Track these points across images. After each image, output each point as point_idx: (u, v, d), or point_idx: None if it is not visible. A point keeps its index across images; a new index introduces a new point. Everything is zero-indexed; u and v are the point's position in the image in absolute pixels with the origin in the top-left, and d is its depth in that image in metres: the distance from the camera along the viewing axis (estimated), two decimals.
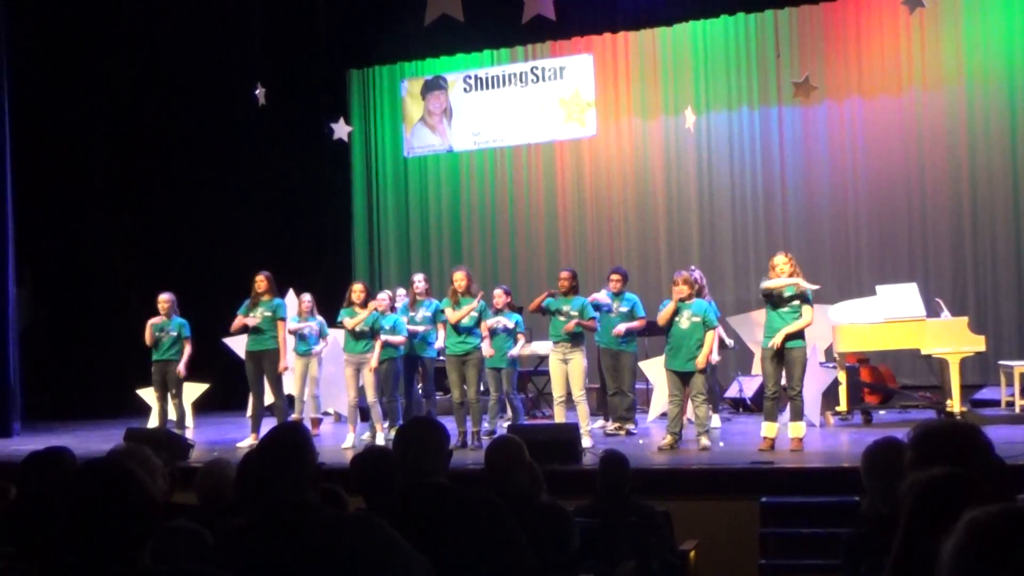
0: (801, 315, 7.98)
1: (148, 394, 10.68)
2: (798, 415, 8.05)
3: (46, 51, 13.05)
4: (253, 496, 2.96)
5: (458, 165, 14.53)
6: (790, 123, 12.97)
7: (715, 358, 8.95)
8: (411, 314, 9.60)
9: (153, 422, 10.35)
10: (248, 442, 9.42)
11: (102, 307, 13.61)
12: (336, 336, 10.27)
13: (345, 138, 12.81)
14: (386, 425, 9.32)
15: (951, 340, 9.15)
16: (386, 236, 14.76)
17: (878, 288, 9.87)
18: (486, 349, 9.17)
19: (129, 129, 13.87)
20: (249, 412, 9.90)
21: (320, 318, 10.29)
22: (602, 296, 9.58)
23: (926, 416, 9.46)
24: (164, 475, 3.83)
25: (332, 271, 13.94)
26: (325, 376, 10.47)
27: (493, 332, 9.25)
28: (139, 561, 2.18)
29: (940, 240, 12.33)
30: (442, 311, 9.23)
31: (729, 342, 10.54)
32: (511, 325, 9.32)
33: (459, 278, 9.20)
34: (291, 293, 10.74)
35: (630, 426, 9.59)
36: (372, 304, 9.26)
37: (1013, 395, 9.77)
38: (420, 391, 9.87)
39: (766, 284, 8.06)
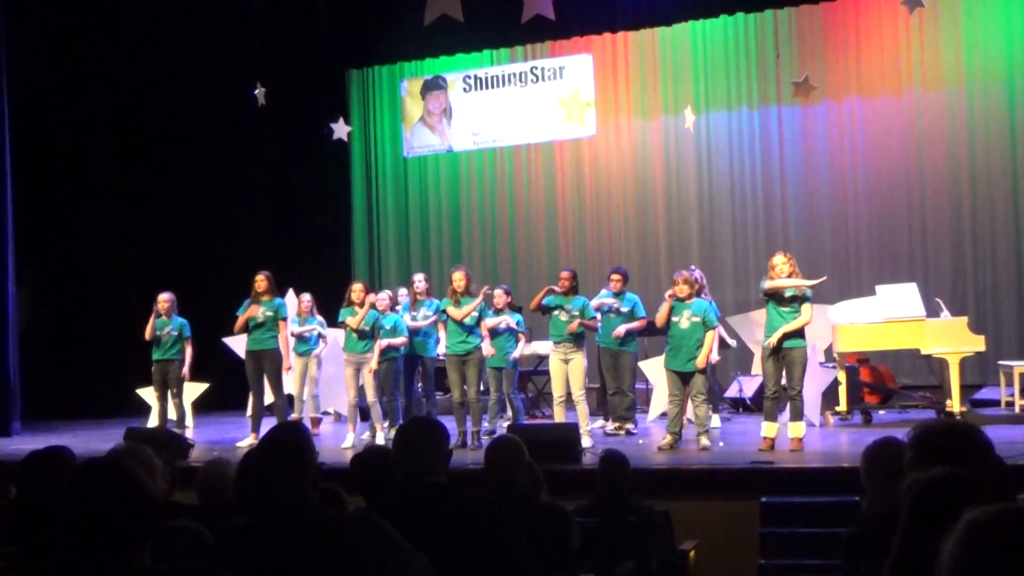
0: (800, 314, 7.98)
1: (148, 393, 10.68)
2: (798, 415, 8.05)
3: (46, 51, 13.04)
4: (253, 496, 2.96)
5: (458, 165, 14.53)
6: (790, 123, 12.97)
7: (715, 358, 8.95)
8: (413, 314, 9.61)
9: (153, 421, 10.36)
10: (248, 442, 9.42)
11: (102, 306, 13.60)
12: (336, 336, 10.28)
13: (345, 138, 12.81)
14: (386, 425, 9.32)
15: (951, 340, 9.16)
16: (386, 236, 14.76)
17: (878, 288, 9.87)
18: (486, 348, 9.17)
19: (129, 129, 13.87)
20: (249, 412, 9.90)
21: (320, 318, 10.29)
22: (609, 300, 9.59)
23: (926, 416, 9.47)
24: (164, 475, 3.83)
25: (332, 271, 13.94)
26: (325, 376, 10.48)
27: (496, 332, 9.25)
28: (139, 560, 2.18)
29: (940, 240, 12.33)
30: (444, 311, 9.22)
31: (731, 342, 10.55)
32: (515, 324, 9.34)
33: (458, 278, 9.20)
34: (291, 293, 10.75)
35: (630, 426, 9.59)
36: (370, 299, 9.25)
37: (1013, 395, 9.78)
38: (420, 390, 9.87)
39: (769, 285, 8.05)
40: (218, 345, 11.21)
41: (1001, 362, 10.49)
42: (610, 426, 9.71)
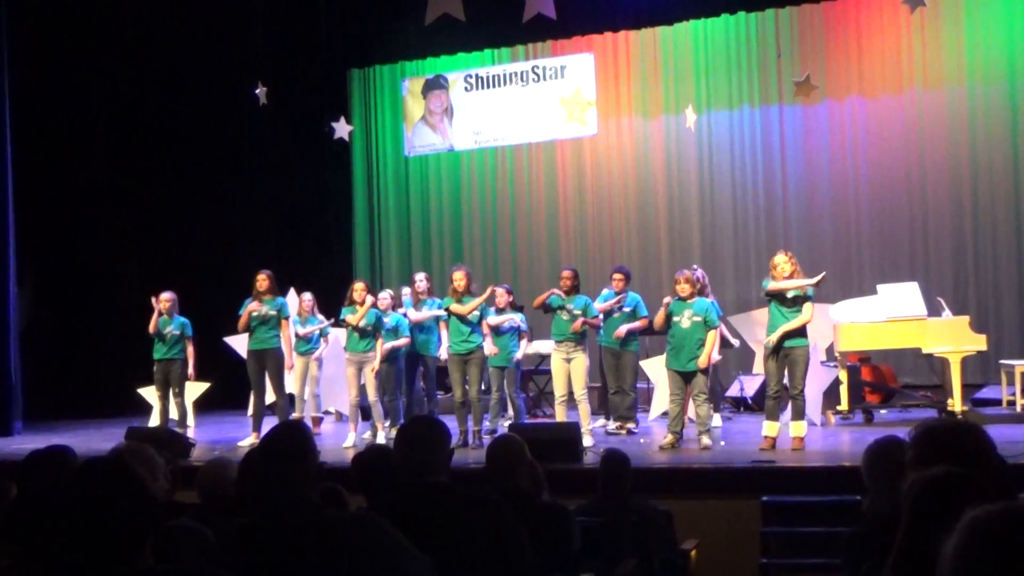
0: (801, 312, 7.98)
1: (149, 393, 10.69)
2: (799, 414, 8.04)
3: (47, 50, 13.04)
4: (254, 495, 2.96)
5: (459, 164, 14.53)
6: (791, 122, 12.96)
7: (715, 357, 8.94)
8: (415, 310, 9.62)
9: (154, 421, 10.37)
10: (249, 441, 9.42)
11: (103, 306, 13.61)
12: (337, 335, 10.28)
13: (346, 137, 12.81)
14: (387, 424, 9.33)
15: (952, 339, 9.15)
16: (387, 235, 14.77)
17: (879, 287, 9.87)
18: (488, 347, 9.17)
19: (130, 128, 13.87)
20: (250, 411, 9.90)
21: (321, 317, 10.30)
22: (622, 297, 9.60)
23: (927, 415, 9.47)
24: (165, 474, 3.83)
25: (333, 270, 13.94)
26: (326, 375, 10.48)
27: (499, 330, 9.26)
28: (140, 560, 2.18)
29: (941, 239, 12.33)
30: (447, 309, 9.21)
31: (734, 342, 10.54)
32: (520, 322, 9.35)
33: (459, 278, 9.19)
34: (292, 292, 10.76)
35: (631, 425, 9.60)
36: (369, 301, 9.24)
37: (1014, 394, 9.78)
38: (422, 389, 9.86)
39: (772, 287, 8.04)
40: (219, 344, 11.21)
41: (1002, 361, 10.49)
42: (611, 425, 9.71)
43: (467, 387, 9.16)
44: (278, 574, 2.64)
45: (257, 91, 11.22)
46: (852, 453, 7.61)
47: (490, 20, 12.04)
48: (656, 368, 9.95)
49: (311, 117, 13.62)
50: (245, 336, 9.86)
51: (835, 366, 9.60)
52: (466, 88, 14.27)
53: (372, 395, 9.26)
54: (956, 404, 9.05)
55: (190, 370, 10.01)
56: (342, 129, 12.39)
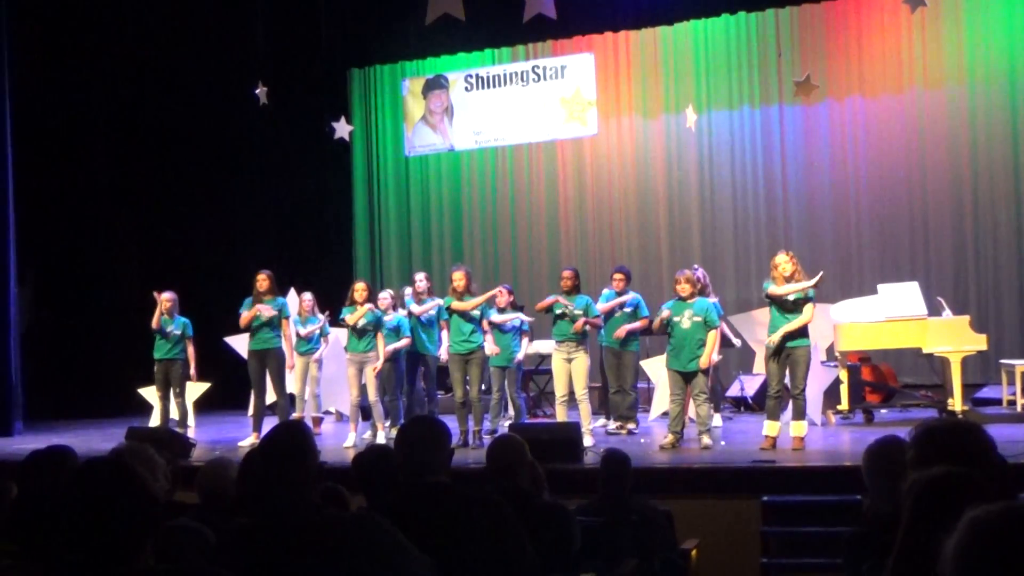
0: (802, 313, 7.98)
1: (150, 393, 10.69)
2: (800, 414, 8.04)
3: (47, 50, 13.05)
4: (255, 495, 2.96)
5: (459, 164, 14.52)
6: (791, 122, 12.96)
7: (715, 357, 8.94)
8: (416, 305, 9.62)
9: (155, 421, 10.37)
10: (250, 441, 9.42)
11: (104, 306, 13.61)
12: (337, 335, 10.28)
13: (346, 137, 12.81)
14: (387, 424, 9.33)
15: (952, 339, 9.15)
16: (387, 235, 14.76)
17: (879, 287, 9.87)
18: (489, 347, 9.17)
19: (130, 128, 13.88)
20: (251, 411, 9.91)
21: (322, 317, 10.30)
22: (626, 297, 9.60)
23: (928, 415, 9.47)
24: (166, 474, 3.83)
25: (333, 270, 13.95)
26: (326, 375, 10.48)
27: (502, 329, 9.27)
28: (141, 560, 2.18)
29: (941, 239, 12.32)
30: (448, 307, 9.20)
31: (736, 341, 10.53)
32: (523, 319, 9.35)
33: (458, 278, 9.19)
34: (292, 292, 10.76)
35: (631, 425, 9.60)
36: (367, 307, 9.22)
37: (1014, 394, 9.78)
38: (423, 389, 9.86)
39: (772, 292, 8.05)
40: (219, 344, 11.21)
41: (1003, 361, 10.49)
42: (612, 425, 9.71)
43: (468, 387, 9.15)
44: (278, 574, 2.64)
45: (257, 91, 11.22)
46: (852, 453, 7.60)
47: (490, 20, 12.05)
48: (656, 368, 9.95)
49: (311, 117, 13.63)
50: (245, 336, 9.86)
51: (835, 366, 9.60)
52: (466, 88, 14.27)
53: (373, 395, 9.26)
54: (956, 404, 9.06)
55: (191, 370, 10.03)
56: (342, 129, 12.39)
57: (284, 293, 10.20)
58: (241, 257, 12.33)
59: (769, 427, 8.06)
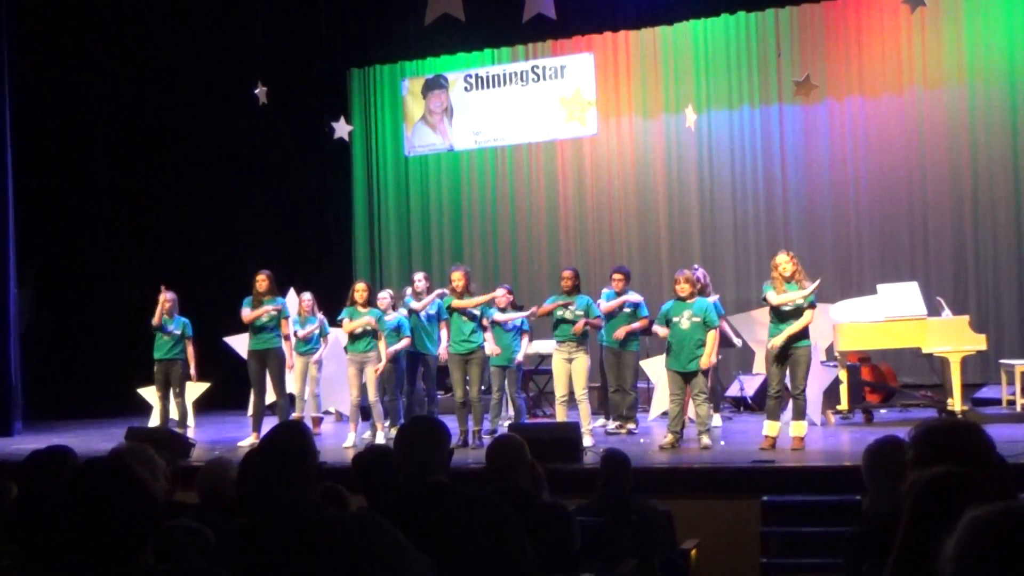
0: (802, 316, 7.98)
1: (150, 393, 10.69)
2: (800, 414, 8.04)
3: (47, 51, 13.04)
4: (254, 495, 2.96)
5: (459, 164, 14.52)
6: (791, 122, 12.96)
7: (712, 358, 8.92)
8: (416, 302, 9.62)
9: (154, 421, 10.37)
10: (249, 441, 9.42)
11: (103, 306, 13.61)
12: (337, 335, 10.28)
13: (346, 137, 12.81)
14: (387, 424, 9.33)
15: (952, 339, 9.15)
16: (387, 235, 14.76)
17: (879, 287, 9.87)
18: (490, 347, 9.17)
19: (130, 128, 13.88)
20: (250, 411, 9.91)
21: (321, 316, 10.30)
22: (631, 296, 9.60)
23: (927, 415, 9.47)
24: (166, 474, 3.83)
25: (332, 270, 13.95)
26: (326, 375, 10.48)
27: (504, 327, 9.27)
28: (141, 560, 2.18)
29: (941, 239, 12.33)
30: (449, 307, 9.20)
31: (737, 341, 10.52)
32: (525, 316, 9.35)
33: (457, 278, 9.19)
34: (291, 292, 10.76)
35: (631, 425, 9.60)
36: (367, 321, 9.20)
37: (1014, 394, 9.77)
38: (423, 389, 9.86)
39: (771, 301, 8.06)
40: (219, 344, 11.21)
41: (1002, 361, 10.49)
42: (611, 425, 9.71)
43: (468, 387, 9.15)
44: (278, 574, 2.64)
45: (257, 91, 11.22)
46: (852, 453, 7.61)
47: (490, 20, 12.04)
48: (656, 368, 9.95)
49: (311, 117, 13.63)
50: (245, 336, 9.86)
51: (835, 366, 9.60)
52: (466, 88, 14.27)
53: (372, 395, 9.26)
54: (956, 404, 9.06)
55: (191, 370, 10.04)
56: (342, 129, 12.39)
57: (284, 293, 10.20)
58: (241, 257, 12.33)
59: (769, 427, 8.06)
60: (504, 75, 14.08)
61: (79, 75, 13.29)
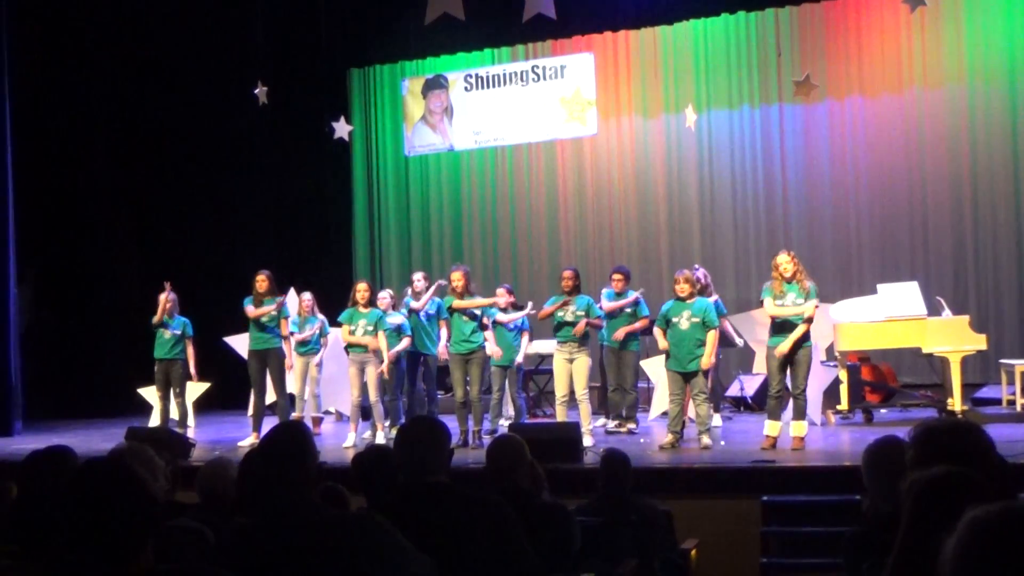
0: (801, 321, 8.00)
1: (150, 393, 10.70)
2: (801, 414, 8.04)
3: (47, 50, 13.04)
4: (254, 495, 2.96)
5: (459, 164, 14.52)
6: (791, 122, 12.96)
7: (712, 359, 8.91)
8: (416, 301, 9.63)
9: (155, 421, 10.38)
10: (249, 441, 9.42)
11: (103, 306, 13.61)
12: (337, 335, 10.27)
13: (346, 137, 12.81)
14: (387, 424, 9.33)
15: (952, 339, 9.15)
16: (387, 235, 14.76)
17: (879, 287, 9.87)
18: (491, 348, 9.16)
19: (130, 128, 13.88)
20: (250, 411, 9.91)
21: (321, 317, 10.30)
22: (631, 298, 9.60)
23: (927, 415, 9.46)
24: (166, 474, 3.84)
25: (332, 270, 13.95)
26: (326, 375, 10.48)
27: (506, 327, 9.26)
28: (141, 560, 2.18)
29: (941, 238, 12.32)
30: (449, 307, 9.19)
31: (739, 341, 10.50)
32: (525, 312, 9.35)
33: (457, 278, 9.18)
34: (291, 292, 10.75)
35: (631, 425, 9.60)
36: (370, 341, 9.20)
37: (1014, 394, 9.77)
38: (423, 389, 9.86)
39: (769, 312, 8.07)
40: (219, 344, 11.21)
41: (1002, 360, 10.49)
42: (611, 424, 9.71)
43: (468, 387, 9.15)
44: (278, 574, 2.64)
45: (257, 91, 11.22)
46: (852, 453, 7.61)
47: (490, 20, 12.04)
48: (656, 368, 9.95)
49: (311, 117, 13.62)
50: (245, 336, 9.87)
51: (835, 366, 9.60)
52: (466, 88, 14.27)
53: (373, 395, 9.25)
54: (956, 404, 9.05)
55: (192, 371, 10.05)
56: (342, 129, 12.39)
57: (284, 293, 10.19)
58: (241, 257, 12.32)
59: (770, 427, 8.06)
60: (504, 75, 14.08)
61: (79, 75, 13.29)
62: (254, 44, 12.23)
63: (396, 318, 9.46)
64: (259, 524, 2.76)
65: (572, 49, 13.77)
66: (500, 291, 9.47)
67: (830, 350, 9.81)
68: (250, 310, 9.50)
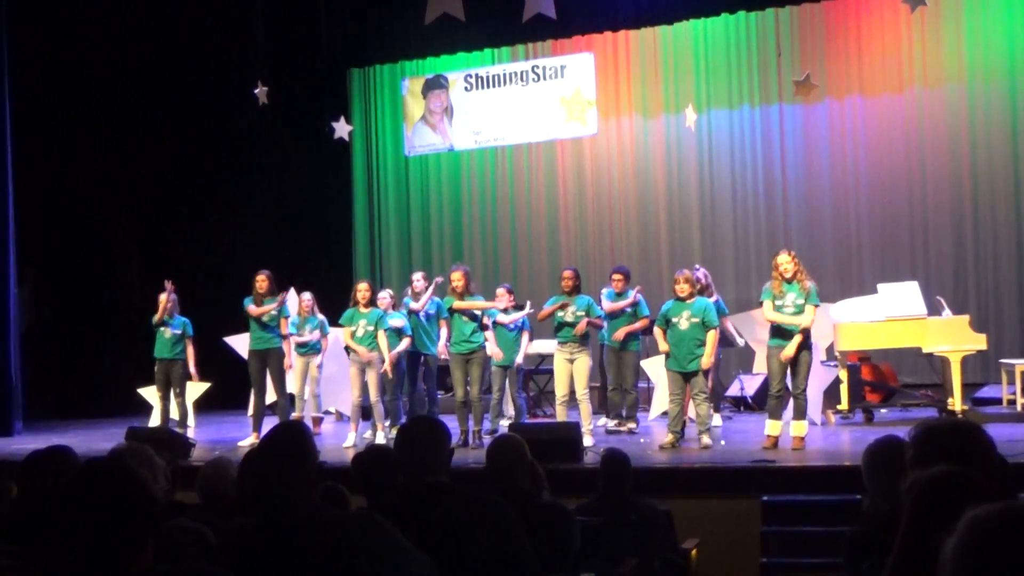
0: (803, 313, 8.00)
1: (150, 393, 10.70)
2: (801, 414, 8.04)
3: (48, 50, 13.05)
4: (254, 495, 2.96)
5: (459, 164, 14.52)
6: (791, 121, 12.96)
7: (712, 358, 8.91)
8: (415, 302, 9.62)
9: (155, 421, 10.38)
10: (249, 441, 9.42)
11: (104, 306, 13.61)
12: (337, 335, 10.27)
13: (346, 137, 12.81)
14: (387, 424, 9.32)
15: (952, 338, 9.15)
16: (387, 235, 14.77)
17: (879, 286, 9.87)
18: (492, 349, 9.16)
19: (130, 128, 13.88)
20: (250, 411, 9.91)
21: (321, 316, 10.29)
22: (633, 299, 9.59)
23: (927, 414, 9.47)
24: (166, 474, 3.83)
25: (333, 270, 13.95)
26: (326, 375, 10.47)
27: (507, 327, 9.26)
28: (141, 560, 2.18)
29: (941, 238, 12.33)
30: (450, 308, 9.19)
31: (740, 341, 10.50)
32: (524, 312, 9.35)
33: (457, 278, 9.17)
34: (292, 292, 10.75)
35: (632, 424, 9.60)
36: (368, 355, 9.21)
37: (1014, 393, 9.78)
38: (423, 389, 9.86)
39: (767, 317, 8.07)
40: (219, 344, 11.21)
41: (1003, 360, 10.49)
42: (611, 423, 9.70)
43: (468, 387, 9.15)
44: (278, 574, 2.64)
45: (257, 91, 11.23)
46: (852, 452, 7.61)
47: (490, 19, 12.04)
48: (656, 368, 9.95)
49: (311, 117, 13.62)
50: (245, 336, 9.88)
51: (835, 365, 9.60)
52: (466, 88, 14.26)
53: (374, 395, 9.25)
54: (956, 403, 9.05)
55: (192, 370, 10.06)
56: (342, 129, 12.39)
57: (285, 290, 10.18)
58: (241, 257, 12.32)
59: (771, 427, 8.06)
60: (504, 75, 14.08)
61: (79, 75, 13.29)
62: (254, 44, 12.24)
63: (397, 320, 9.45)
64: (259, 524, 2.76)
65: (572, 49, 13.77)
66: (500, 291, 9.46)
67: (830, 350, 9.81)
68: (252, 309, 9.51)
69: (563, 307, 8.93)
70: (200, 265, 13.23)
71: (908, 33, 12.38)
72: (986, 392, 10.75)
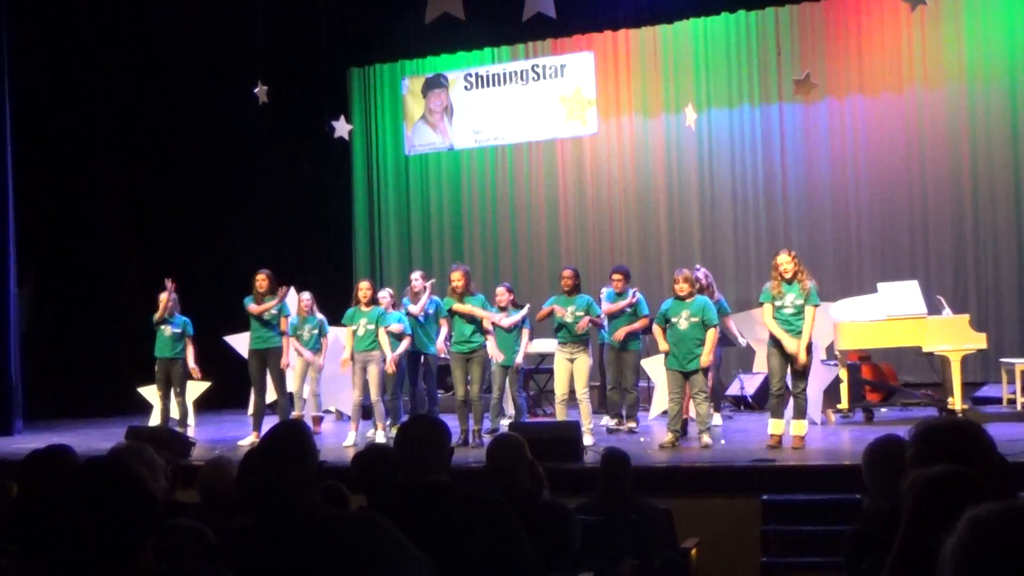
0: (803, 319, 8.01)
1: (150, 392, 10.70)
2: (801, 413, 8.05)
3: (47, 51, 13.04)
4: (254, 494, 2.96)
5: (459, 163, 14.53)
6: (791, 120, 12.96)
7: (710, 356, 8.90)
8: (413, 305, 9.62)
9: (155, 420, 10.38)
10: (249, 440, 9.43)
11: (104, 305, 13.61)
12: (337, 334, 10.27)
13: (346, 136, 12.81)
14: (387, 423, 9.33)
15: (952, 337, 9.15)
16: (387, 234, 14.77)
17: (879, 285, 9.87)
18: (492, 350, 9.16)
19: (131, 128, 13.87)
20: (251, 410, 9.92)
21: (320, 316, 10.29)
22: (633, 299, 9.58)
23: (927, 414, 9.47)
24: (166, 473, 3.84)
25: (333, 270, 13.95)
26: (326, 374, 10.47)
27: (507, 328, 9.27)
28: (141, 560, 2.18)
29: (941, 237, 12.33)
30: (449, 310, 9.20)
31: (741, 341, 10.49)
32: (524, 312, 9.36)
33: (456, 277, 9.18)
34: (291, 291, 10.75)
35: (632, 424, 9.60)
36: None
37: (1014, 392, 9.78)
38: (424, 388, 9.86)
39: (768, 325, 8.09)
40: (219, 344, 11.21)
41: (1003, 359, 10.50)
42: (611, 422, 9.70)
43: (468, 386, 9.15)
44: (278, 574, 2.64)
45: (257, 91, 11.22)
46: (852, 452, 7.60)
47: (490, 19, 12.03)
48: (656, 367, 9.95)
49: (311, 116, 13.62)
50: (245, 335, 9.88)
51: (835, 365, 9.60)
52: (466, 87, 14.26)
53: (374, 394, 9.26)
54: (956, 402, 9.05)
55: (193, 368, 10.06)
56: (342, 128, 12.39)
57: (286, 286, 10.18)
58: (241, 257, 12.32)
59: (774, 425, 8.07)
60: (504, 74, 14.07)
61: (79, 75, 13.29)
62: (254, 44, 12.22)
63: (395, 326, 9.43)
64: (259, 524, 2.76)
65: (572, 48, 13.77)
66: (500, 289, 9.46)
67: (830, 349, 9.81)
68: (252, 307, 9.52)
69: (553, 312, 8.93)
70: (200, 265, 13.22)
71: (908, 33, 12.38)
72: (986, 391, 10.75)
